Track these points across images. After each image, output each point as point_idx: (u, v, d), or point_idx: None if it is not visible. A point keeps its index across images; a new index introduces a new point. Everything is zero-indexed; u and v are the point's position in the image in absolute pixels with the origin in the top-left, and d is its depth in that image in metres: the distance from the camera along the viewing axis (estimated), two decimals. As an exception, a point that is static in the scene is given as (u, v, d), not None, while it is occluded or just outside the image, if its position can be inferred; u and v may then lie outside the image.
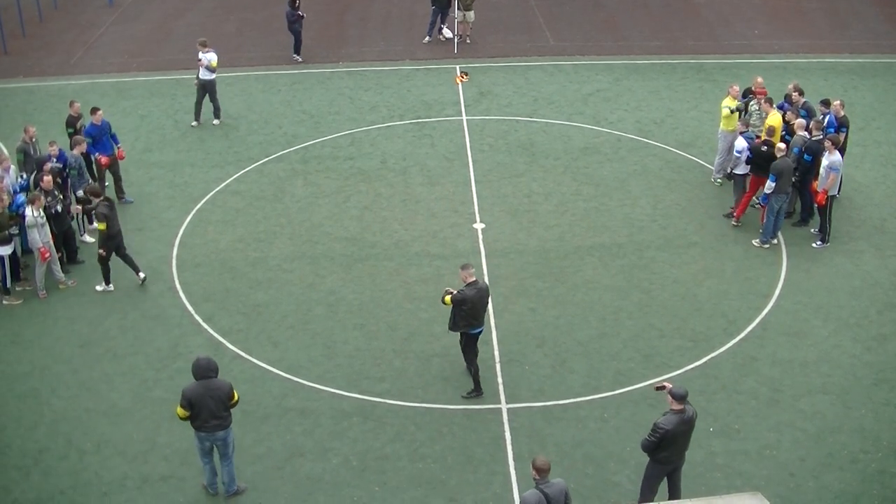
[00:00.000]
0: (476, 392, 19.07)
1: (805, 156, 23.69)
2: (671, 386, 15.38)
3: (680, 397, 14.99)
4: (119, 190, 26.06)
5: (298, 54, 36.45)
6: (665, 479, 15.82)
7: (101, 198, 21.79)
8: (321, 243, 24.19)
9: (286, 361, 20.06)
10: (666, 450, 15.20)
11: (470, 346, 18.95)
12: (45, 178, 22.54)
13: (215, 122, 30.72)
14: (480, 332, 18.89)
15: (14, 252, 22.26)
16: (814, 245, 23.80)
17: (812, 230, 24.27)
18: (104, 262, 22.20)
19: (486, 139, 29.51)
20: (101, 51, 38.25)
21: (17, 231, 22.06)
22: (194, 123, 30.68)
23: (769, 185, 22.79)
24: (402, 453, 17.67)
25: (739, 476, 17.03)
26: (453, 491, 16.84)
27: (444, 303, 18.60)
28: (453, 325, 18.71)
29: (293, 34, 36.04)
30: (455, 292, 18.36)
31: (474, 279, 18.52)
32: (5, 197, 21.89)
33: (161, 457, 17.66)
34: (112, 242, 22.01)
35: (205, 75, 30.23)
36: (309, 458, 17.60)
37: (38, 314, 21.89)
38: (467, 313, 18.44)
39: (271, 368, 19.81)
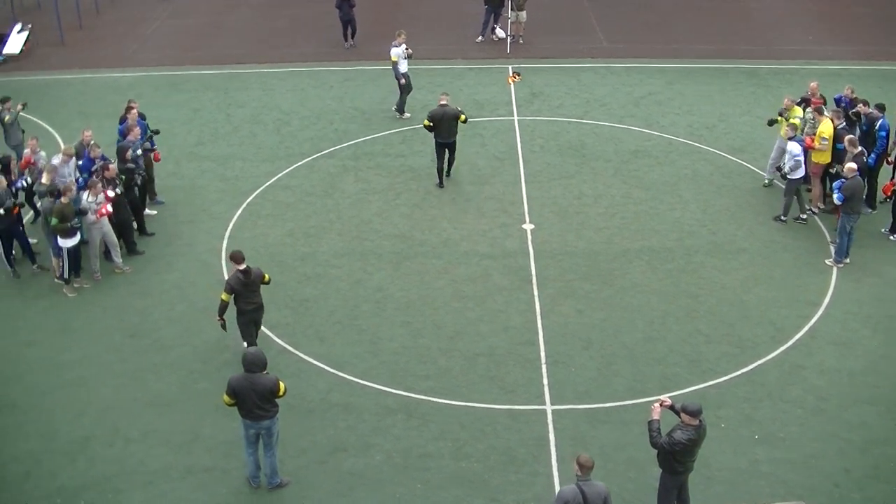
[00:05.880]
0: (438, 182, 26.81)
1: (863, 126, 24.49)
2: (670, 401, 15.27)
3: (694, 413, 14.81)
4: (151, 191, 26.00)
5: (346, 39, 37.56)
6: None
7: (241, 266, 19.00)
8: (370, 240, 24.26)
9: (332, 356, 20.14)
10: (681, 462, 15.09)
11: (437, 150, 26.59)
12: (111, 166, 22.95)
13: (406, 115, 31.07)
14: (445, 143, 26.32)
15: (77, 246, 22.39)
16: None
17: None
18: (247, 341, 19.36)
19: (536, 140, 29.49)
20: (156, 44, 38.58)
21: (80, 224, 22.20)
22: (407, 115, 31.04)
23: (837, 198, 22.57)
24: (445, 451, 17.69)
25: (783, 485, 16.89)
26: (495, 491, 16.83)
27: (424, 125, 26.28)
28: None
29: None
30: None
31: (445, 103, 26.08)
32: (73, 189, 22.05)
33: (205, 448, 17.79)
34: (247, 318, 19.26)
35: (406, 67, 30.60)
36: (352, 453, 17.66)
37: (87, 303, 22.10)
38: (435, 126, 25.98)
39: (317, 363, 19.90)
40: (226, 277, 22.55)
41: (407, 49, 30.56)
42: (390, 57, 30.57)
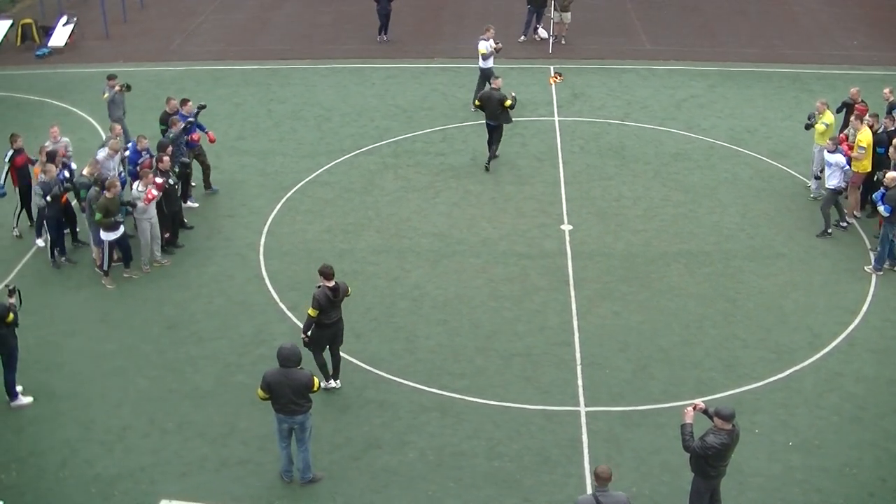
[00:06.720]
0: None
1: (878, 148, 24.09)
2: (703, 405, 15.21)
3: (727, 417, 14.74)
4: (206, 179, 26.37)
5: (380, 34, 38.18)
6: None
7: (330, 283, 18.15)
8: (408, 237, 24.32)
9: (368, 353, 20.18)
10: (714, 467, 15.02)
11: (486, 128, 27.69)
12: (164, 158, 23.15)
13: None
14: (488, 124, 27.48)
15: (123, 238, 22.55)
16: None
17: None
18: (313, 353, 18.74)
19: (577, 141, 29.45)
20: (200, 38, 38.87)
21: (123, 218, 22.35)
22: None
23: (885, 209, 22.24)
24: (479, 451, 17.70)
25: (818, 493, 16.78)
26: (528, 491, 16.83)
27: (475, 104, 28.31)
28: None
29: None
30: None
31: (496, 87, 27.47)
32: (118, 184, 22.25)
33: (240, 441, 17.89)
34: (322, 333, 18.49)
35: (484, 63, 31.02)
36: (386, 450, 17.71)
37: (127, 295, 22.28)
38: (482, 106, 27.53)
39: (353, 360, 19.91)
40: (263, 271, 22.79)
41: (496, 43, 30.97)
42: (478, 49, 30.93)
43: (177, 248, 23.86)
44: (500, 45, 31.32)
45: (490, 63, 30.86)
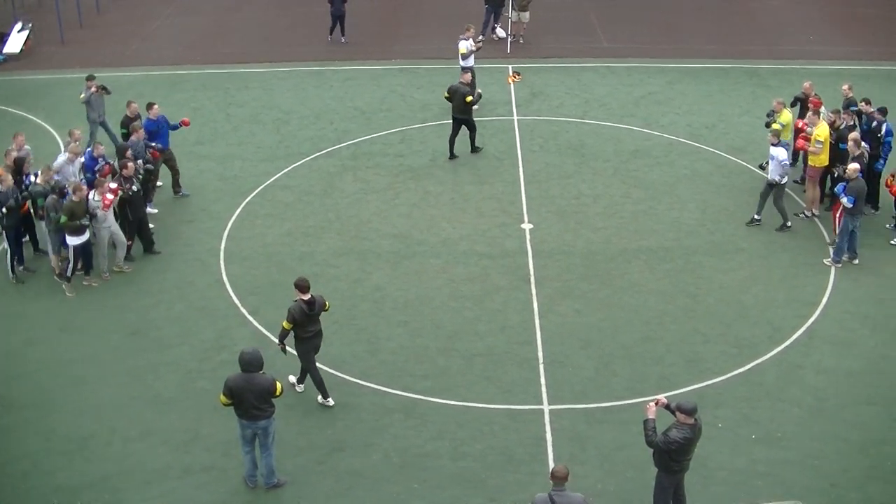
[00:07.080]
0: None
1: (840, 144, 24.17)
2: (665, 400, 15.30)
3: (689, 411, 14.81)
4: (175, 183, 26.28)
5: (331, 34, 38.28)
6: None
7: (306, 296, 17.99)
8: (369, 239, 24.28)
9: (330, 356, 20.05)
10: (677, 461, 15.09)
11: (452, 122, 28.26)
12: (129, 164, 22.99)
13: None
14: (455, 117, 28.05)
15: (87, 244, 22.38)
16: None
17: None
18: (309, 371, 18.69)
19: (536, 139, 29.51)
20: (157, 43, 38.69)
21: (89, 222, 22.18)
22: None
23: (848, 200, 22.40)
24: (443, 451, 17.69)
25: (781, 484, 16.88)
26: (493, 490, 16.83)
27: (444, 96, 28.62)
28: None
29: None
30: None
31: (462, 82, 28.11)
32: (84, 188, 22.11)
33: (204, 447, 17.79)
34: (305, 346, 18.37)
35: (464, 63, 31.00)
36: (350, 452, 17.66)
37: (87, 302, 22.13)
38: (450, 98, 28.03)
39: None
40: (224, 276, 22.70)
41: (477, 42, 31.33)
42: (459, 49, 31.08)
43: (154, 254, 23.79)
44: (480, 44, 31.64)
45: (470, 62, 30.89)
